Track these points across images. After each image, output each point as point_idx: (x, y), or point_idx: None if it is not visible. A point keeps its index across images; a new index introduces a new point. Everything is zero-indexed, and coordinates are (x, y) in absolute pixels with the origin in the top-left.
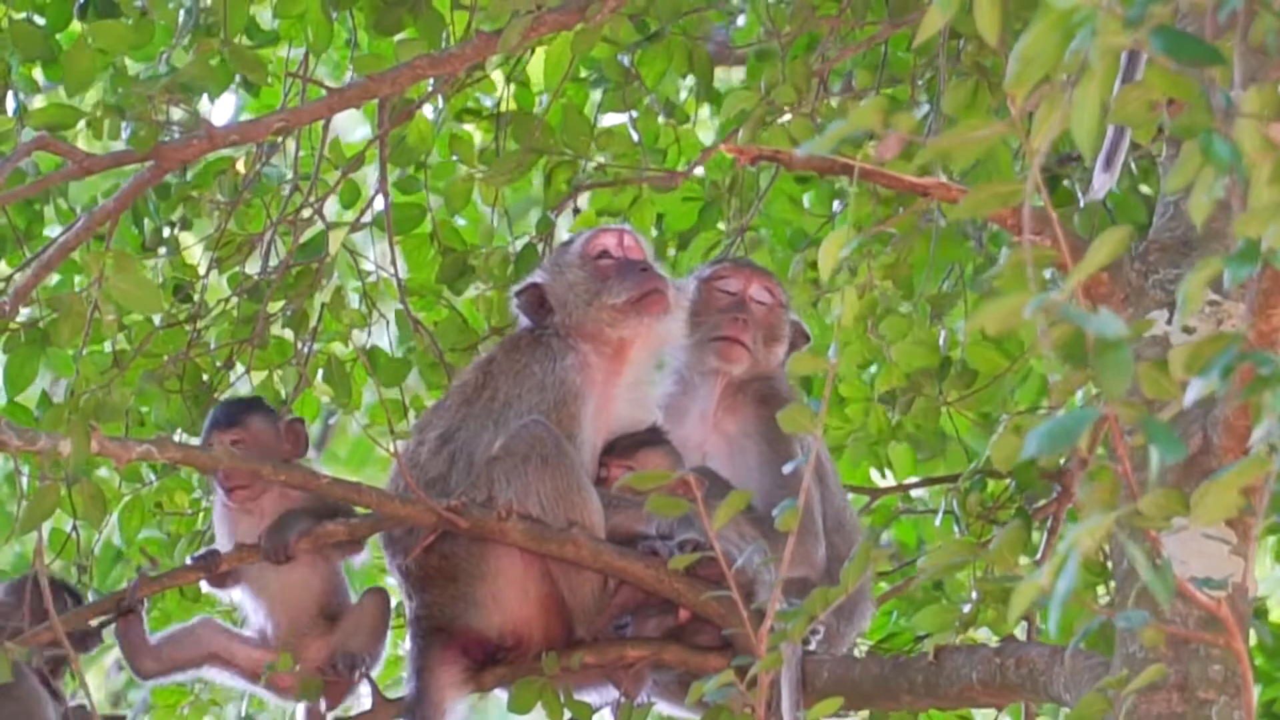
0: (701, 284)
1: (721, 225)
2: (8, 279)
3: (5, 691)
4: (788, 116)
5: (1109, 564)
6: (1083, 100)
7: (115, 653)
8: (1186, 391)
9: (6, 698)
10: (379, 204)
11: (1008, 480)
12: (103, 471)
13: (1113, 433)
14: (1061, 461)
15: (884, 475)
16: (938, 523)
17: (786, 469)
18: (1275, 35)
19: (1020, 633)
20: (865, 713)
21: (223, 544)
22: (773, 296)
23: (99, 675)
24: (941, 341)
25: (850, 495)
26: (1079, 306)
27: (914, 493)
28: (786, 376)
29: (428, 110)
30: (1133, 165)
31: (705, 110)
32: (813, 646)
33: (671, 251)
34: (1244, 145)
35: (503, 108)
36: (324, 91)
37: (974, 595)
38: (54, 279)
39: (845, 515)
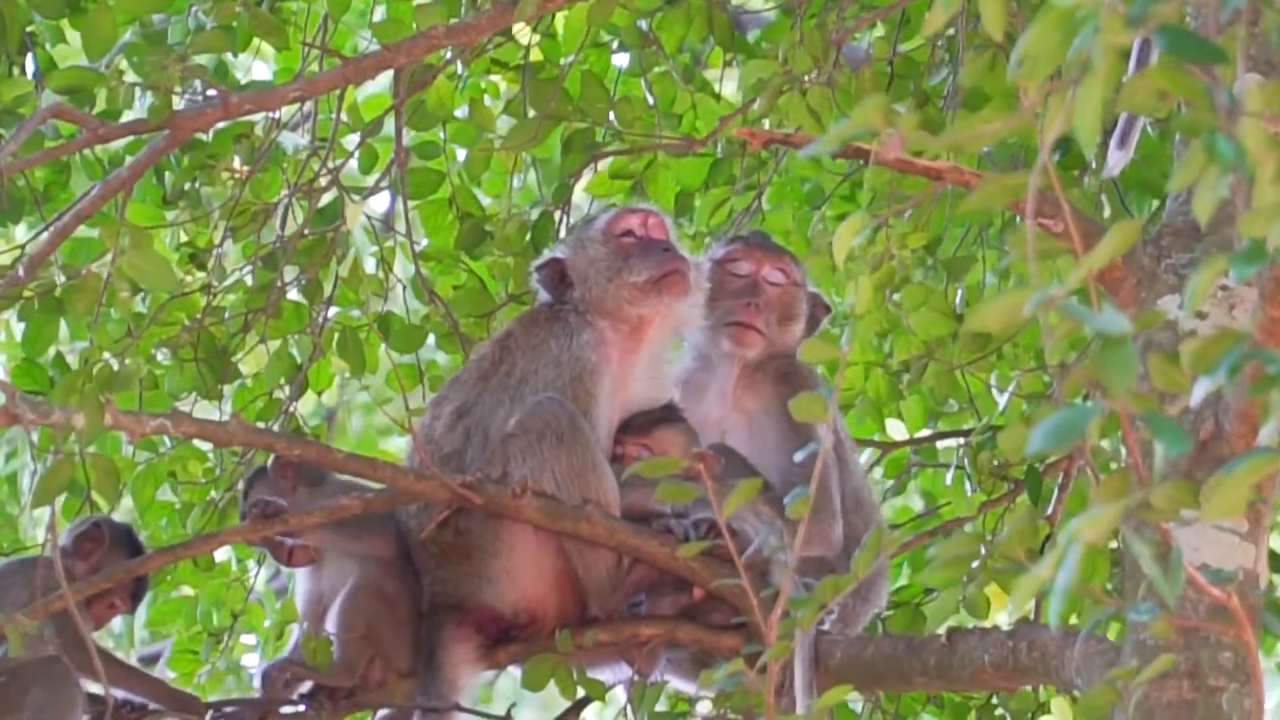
0: (714, 266)
1: (732, 188)
2: (23, 246)
3: (38, 680)
4: (807, 77)
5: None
6: (1085, 98)
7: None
8: (1194, 389)
9: (39, 687)
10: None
11: None
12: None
13: (1122, 425)
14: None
15: (886, 428)
16: (949, 479)
17: (799, 456)
18: (1279, 31)
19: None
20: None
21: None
22: (786, 276)
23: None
24: (958, 300)
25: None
26: (1091, 292)
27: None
28: (800, 355)
29: None
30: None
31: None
32: (826, 626)
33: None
34: (1247, 143)
35: (530, 57)
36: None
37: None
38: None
39: (864, 494)
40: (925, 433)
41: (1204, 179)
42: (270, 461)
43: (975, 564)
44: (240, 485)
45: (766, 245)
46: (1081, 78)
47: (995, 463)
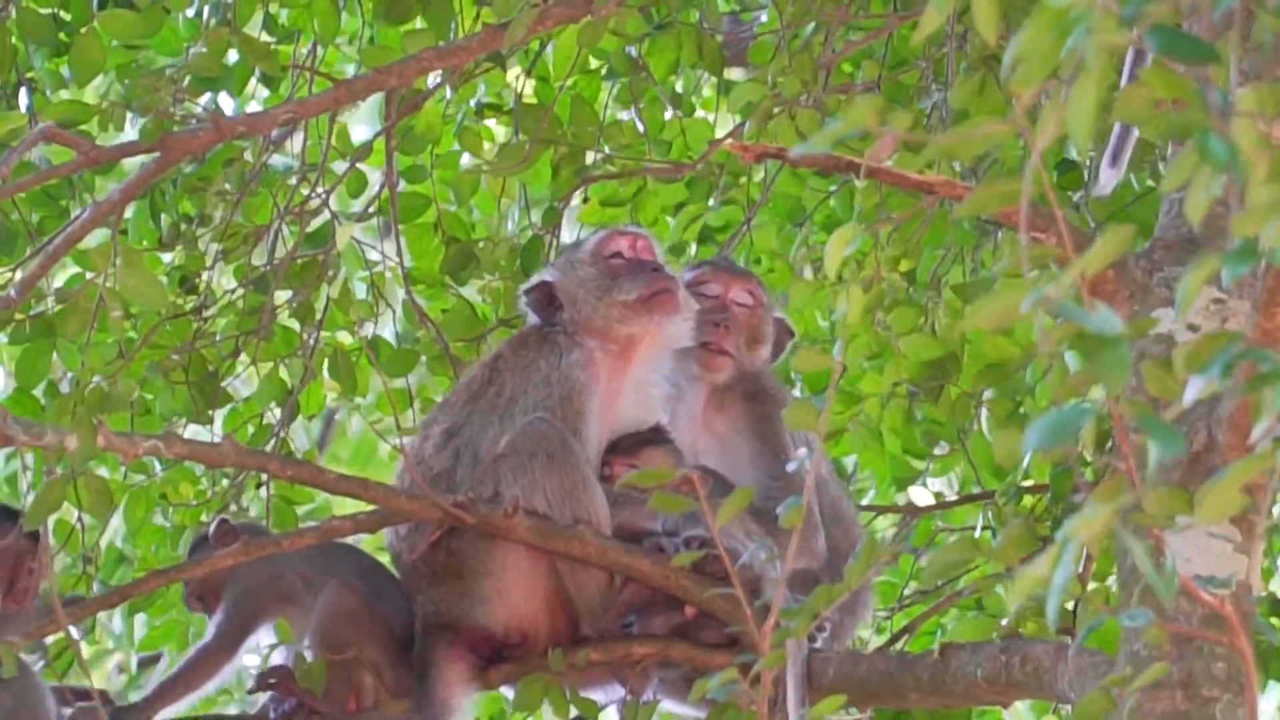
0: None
1: (711, 201)
2: (15, 267)
3: (5, 684)
4: (799, 99)
5: None
6: (1079, 99)
7: (118, 655)
8: (1187, 389)
9: (6, 690)
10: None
11: (1045, 494)
12: (103, 470)
13: (1116, 430)
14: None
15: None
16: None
17: (790, 467)
18: (1273, 35)
19: None
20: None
21: None
22: (754, 299)
23: (101, 677)
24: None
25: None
26: (1084, 303)
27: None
28: (773, 374)
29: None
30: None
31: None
32: (818, 643)
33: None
34: (1240, 143)
35: (521, 101)
36: (331, 83)
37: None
38: (68, 272)
39: (842, 506)
40: (951, 498)
41: (1197, 179)
42: (213, 529)
43: (1005, 621)
44: (244, 503)
45: (733, 269)
46: (1075, 78)
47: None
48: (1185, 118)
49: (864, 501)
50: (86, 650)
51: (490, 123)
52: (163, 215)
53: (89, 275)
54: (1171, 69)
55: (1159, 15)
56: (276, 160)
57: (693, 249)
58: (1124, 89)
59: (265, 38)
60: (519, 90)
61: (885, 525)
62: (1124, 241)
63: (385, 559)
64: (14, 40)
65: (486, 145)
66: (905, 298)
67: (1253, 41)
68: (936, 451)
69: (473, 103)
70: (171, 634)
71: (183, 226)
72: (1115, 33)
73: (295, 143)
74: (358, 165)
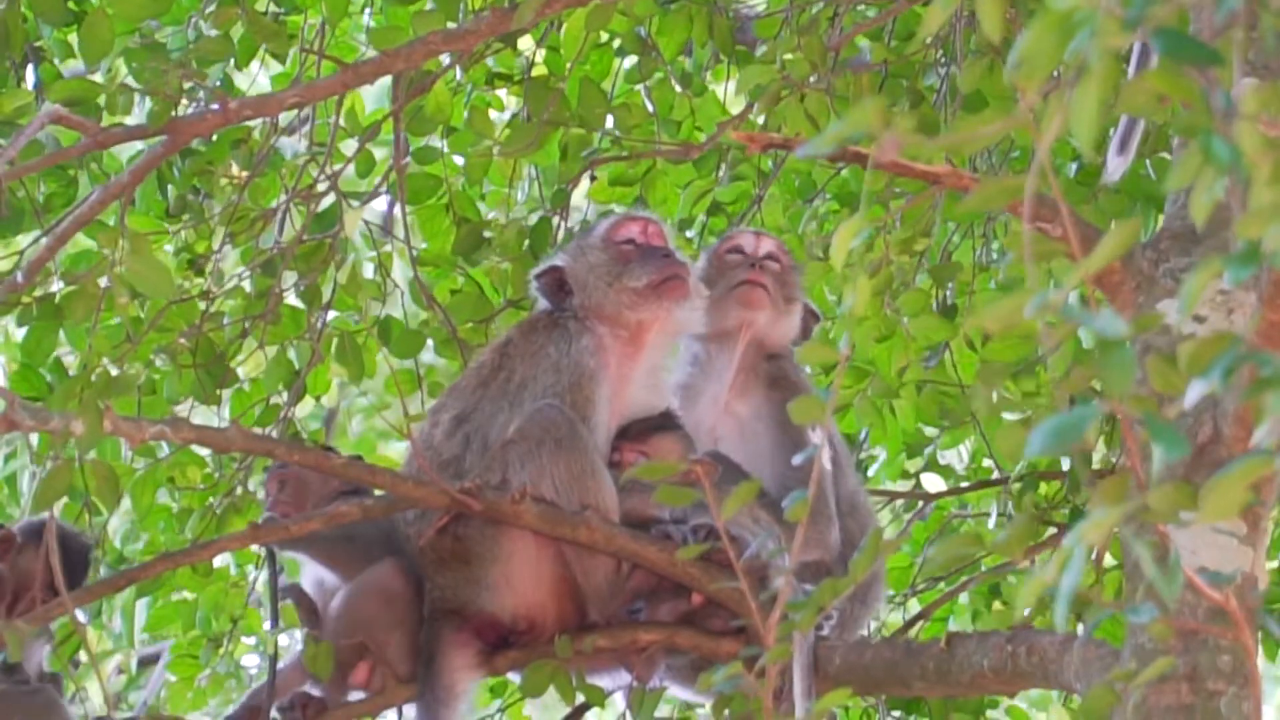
0: (713, 255)
1: (718, 173)
2: (22, 251)
3: (22, 703)
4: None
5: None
6: (1082, 99)
7: (117, 656)
8: (1188, 391)
9: (23, 711)
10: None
11: (1061, 481)
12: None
13: (1122, 428)
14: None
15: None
16: (991, 525)
17: (797, 459)
18: (1275, 35)
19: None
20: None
21: None
22: (782, 257)
23: (100, 677)
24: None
25: (898, 500)
26: (1087, 297)
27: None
28: (796, 358)
29: None
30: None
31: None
32: (825, 631)
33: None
34: (1244, 145)
35: (533, 73)
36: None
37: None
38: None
39: (859, 498)
40: (965, 484)
41: (1200, 180)
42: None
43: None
44: (250, 486)
45: (764, 232)
46: (1078, 79)
47: (1037, 508)
48: (1189, 118)
49: (870, 473)
50: (94, 638)
51: (501, 93)
52: (169, 186)
53: (96, 246)
54: (1176, 68)
55: (1163, 17)
56: (284, 144)
57: (701, 219)
58: (1128, 82)
59: (273, 8)
60: (530, 59)
61: (888, 508)
62: (1129, 237)
63: None
64: (23, 12)
65: (494, 115)
66: (913, 280)
67: (1256, 34)
68: (946, 423)
69: None
70: (178, 616)
71: (189, 198)
72: (1119, 35)
73: (303, 120)
74: (366, 146)
